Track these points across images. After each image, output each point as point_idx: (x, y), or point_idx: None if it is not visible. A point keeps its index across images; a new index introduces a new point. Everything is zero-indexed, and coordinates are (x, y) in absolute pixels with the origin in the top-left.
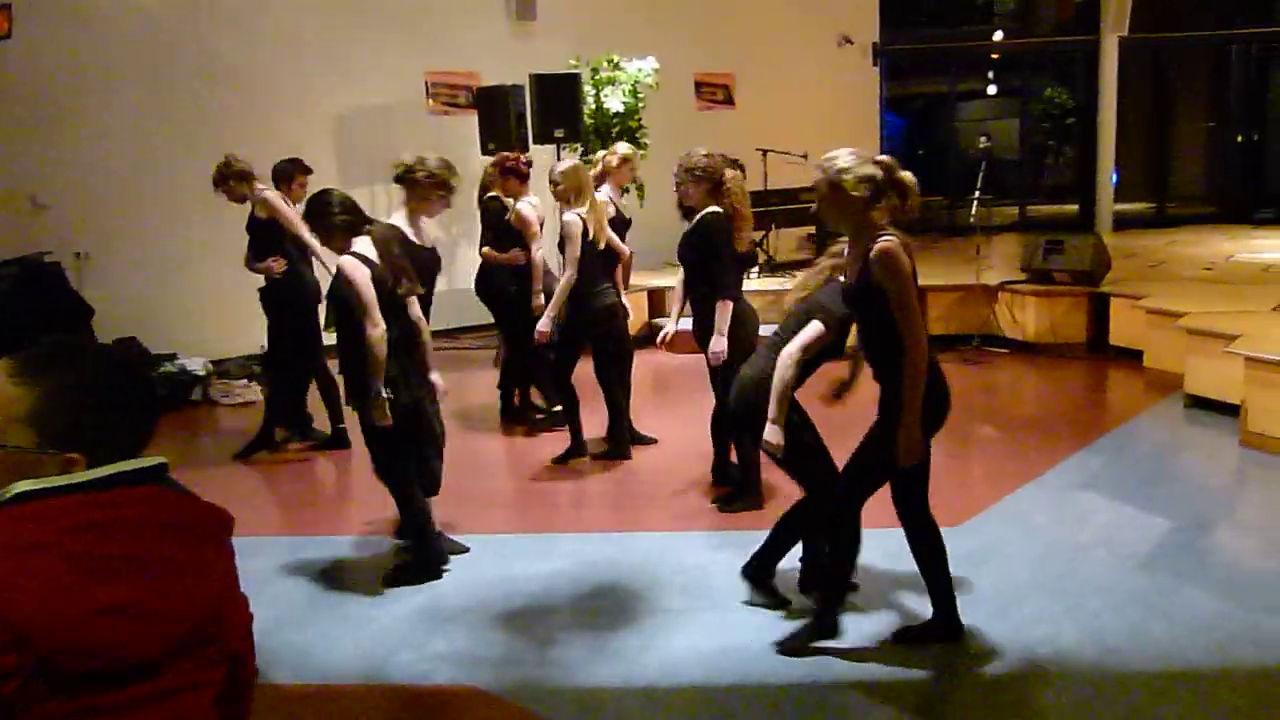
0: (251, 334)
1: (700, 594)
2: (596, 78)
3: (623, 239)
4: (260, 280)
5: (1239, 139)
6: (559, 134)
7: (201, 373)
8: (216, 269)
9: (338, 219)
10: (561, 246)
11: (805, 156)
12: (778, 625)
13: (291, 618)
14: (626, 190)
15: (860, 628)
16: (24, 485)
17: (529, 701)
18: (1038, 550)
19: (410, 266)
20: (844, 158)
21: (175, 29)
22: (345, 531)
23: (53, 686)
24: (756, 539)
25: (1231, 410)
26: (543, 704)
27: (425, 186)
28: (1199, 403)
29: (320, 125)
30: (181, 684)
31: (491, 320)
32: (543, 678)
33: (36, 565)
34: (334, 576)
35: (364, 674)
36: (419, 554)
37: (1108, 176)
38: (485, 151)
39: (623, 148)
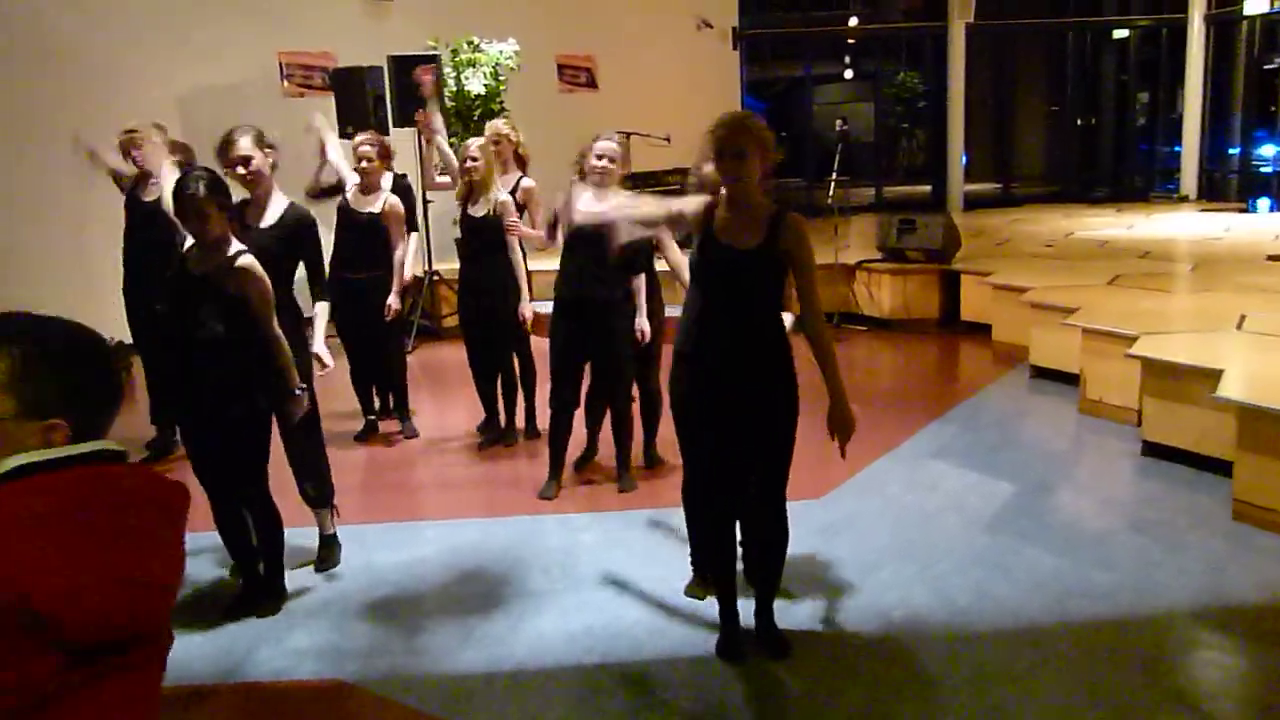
0: (97, 325)
1: (564, 575)
2: (456, 59)
3: None
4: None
5: (1077, 122)
6: (418, 116)
7: None
8: (56, 257)
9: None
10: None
11: (668, 139)
12: (641, 604)
13: None
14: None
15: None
16: (21, 459)
17: (396, 692)
18: (892, 518)
19: None
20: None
21: (13, 7)
22: (196, 528)
23: (67, 656)
24: (617, 519)
25: (1072, 379)
26: (411, 693)
27: None
28: (1042, 373)
29: (165, 107)
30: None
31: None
32: (409, 667)
33: (54, 537)
34: (186, 573)
35: (222, 673)
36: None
37: (958, 158)
38: (344, 135)
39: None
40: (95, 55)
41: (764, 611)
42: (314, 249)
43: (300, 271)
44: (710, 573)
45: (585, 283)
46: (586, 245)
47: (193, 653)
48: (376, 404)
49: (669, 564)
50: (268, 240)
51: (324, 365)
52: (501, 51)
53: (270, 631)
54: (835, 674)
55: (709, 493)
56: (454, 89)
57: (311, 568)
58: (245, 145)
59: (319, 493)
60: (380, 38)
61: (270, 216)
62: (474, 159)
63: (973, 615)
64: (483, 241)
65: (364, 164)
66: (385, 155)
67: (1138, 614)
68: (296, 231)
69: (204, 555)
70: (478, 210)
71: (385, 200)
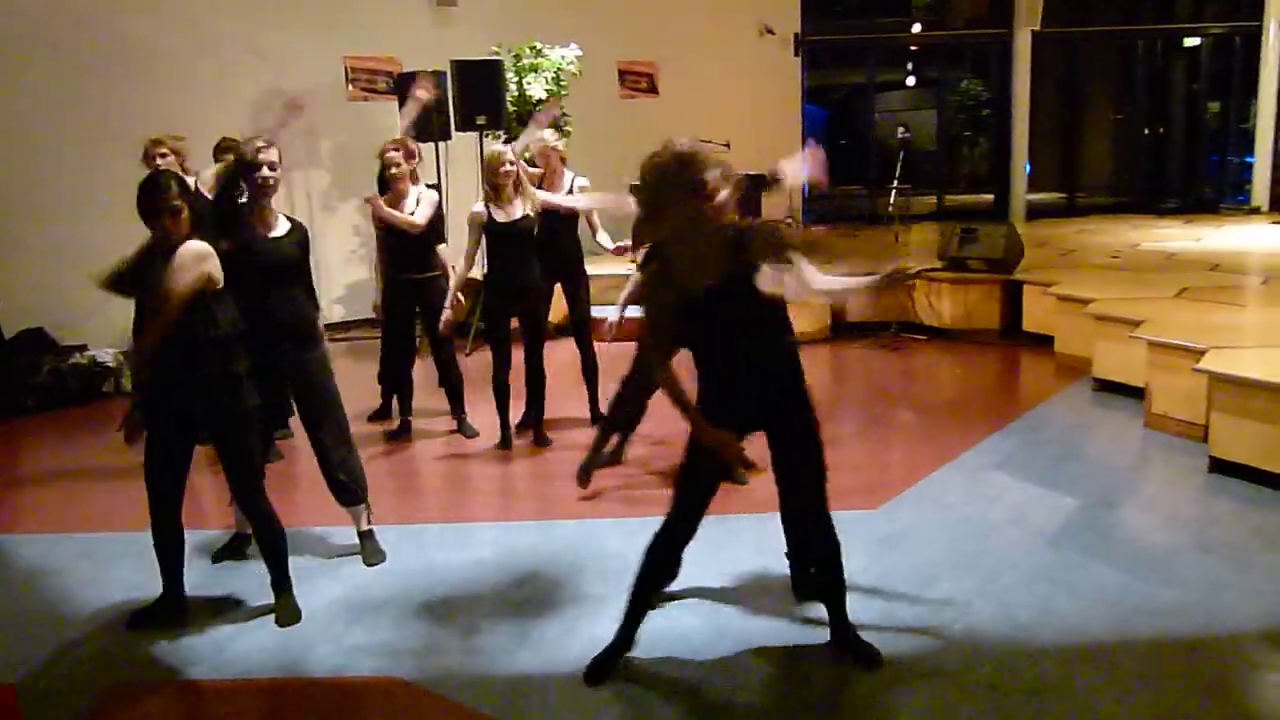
0: None
1: (621, 580)
2: (519, 65)
3: None
4: None
5: (1145, 132)
6: (481, 120)
7: (113, 364)
8: None
9: None
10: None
11: (728, 145)
12: (697, 610)
13: (206, 612)
14: None
15: (778, 610)
16: None
17: (452, 691)
18: (951, 530)
19: None
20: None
21: (85, 9)
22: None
23: None
24: None
25: (1137, 393)
26: (466, 693)
27: None
28: (1106, 386)
29: (236, 110)
30: None
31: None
32: (466, 667)
33: None
34: (248, 570)
35: (282, 667)
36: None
37: (1021, 167)
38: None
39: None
40: (169, 59)
41: (845, 623)
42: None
43: None
44: (643, 594)
45: None
46: None
47: (252, 648)
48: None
49: (726, 569)
50: (286, 248)
51: None
52: (563, 57)
53: (330, 628)
54: (892, 687)
55: (692, 520)
56: (515, 94)
57: (360, 561)
58: (275, 152)
59: (351, 488)
60: (444, 43)
61: (280, 227)
62: (512, 163)
63: (1034, 631)
64: (516, 245)
65: (392, 170)
66: (411, 157)
67: (1206, 634)
68: (306, 240)
69: (252, 558)
70: (507, 214)
71: (419, 198)
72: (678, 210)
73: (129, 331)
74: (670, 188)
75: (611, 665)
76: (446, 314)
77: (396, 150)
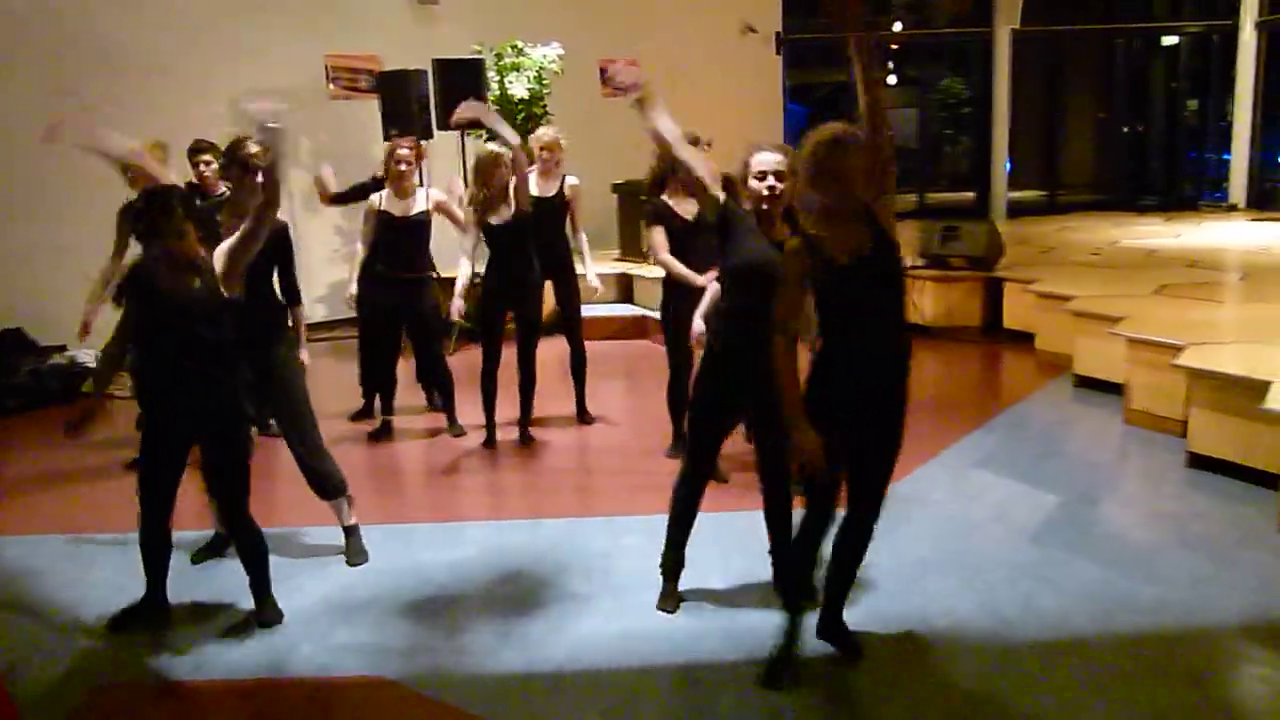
0: None
1: (605, 578)
2: (501, 64)
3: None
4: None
5: (1124, 129)
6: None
7: (93, 365)
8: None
9: None
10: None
11: (710, 144)
12: (685, 608)
13: (189, 614)
14: None
15: (765, 608)
16: None
17: (436, 690)
18: (935, 527)
19: None
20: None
21: (71, 12)
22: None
23: None
24: (659, 523)
25: (1116, 389)
26: (450, 692)
27: None
28: (1087, 383)
29: (217, 109)
30: None
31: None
32: (450, 666)
33: None
34: (229, 570)
35: (266, 668)
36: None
37: (1002, 165)
38: (387, 138)
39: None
40: (149, 58)
41: (839, 617)
42: (291, 256)
43: None
44: (793, 586)
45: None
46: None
47: (235, 649)
48: (379, 403)
49: (710, 567)
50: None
51: (303, 366)
52: (545, 55)
53: (314, 628)
54: (877, 683)
55: (822, 498)
56: (497, 93)
57: (343, 560)
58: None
59: (330, 482)
60: (426, 42)
61: None
62: (507, 165)
63: (1019, 626)
64: (514, 242)
65: (402, 167)
66: (420, 158)
67: (1188, 629)
68: (284, 239)
69: (230, 557)
70: (500, 214)
71: (430, 198)
72: (839, 186)
73: (107, 333)
74: (836, 165)
75: (785, 665)
76: (458, 304)
77: (409, 149)
